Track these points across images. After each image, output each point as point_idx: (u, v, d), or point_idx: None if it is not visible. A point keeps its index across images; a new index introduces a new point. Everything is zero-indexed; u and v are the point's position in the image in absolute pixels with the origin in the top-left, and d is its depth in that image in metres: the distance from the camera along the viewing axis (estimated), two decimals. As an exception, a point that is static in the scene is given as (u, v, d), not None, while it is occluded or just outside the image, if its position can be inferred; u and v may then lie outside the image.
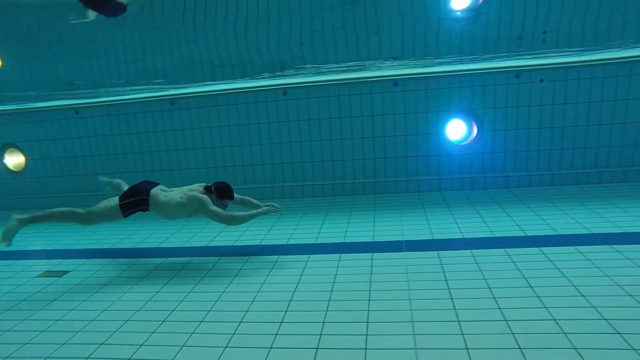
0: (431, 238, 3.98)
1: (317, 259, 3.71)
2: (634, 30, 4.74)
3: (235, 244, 4.26)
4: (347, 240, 4.12)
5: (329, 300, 2.98)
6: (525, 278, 3.09)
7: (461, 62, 4.97)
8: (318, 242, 4.14)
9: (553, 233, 3.90)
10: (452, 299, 2.88)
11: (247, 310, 2.94)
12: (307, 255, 3.79)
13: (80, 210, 3.75)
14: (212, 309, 3.00)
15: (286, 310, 2.89)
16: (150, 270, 3.80)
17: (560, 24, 4.75)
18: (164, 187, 3.95)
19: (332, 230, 4.40)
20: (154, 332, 2.75)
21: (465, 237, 3.95)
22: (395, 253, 3.69)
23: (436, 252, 3.64)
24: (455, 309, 2.75)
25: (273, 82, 5.37)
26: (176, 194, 3.81)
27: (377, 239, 4.06)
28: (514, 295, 2.87)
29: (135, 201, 3.75)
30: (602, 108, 5.01)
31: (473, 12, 4.85)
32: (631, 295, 2.77)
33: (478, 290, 2.97)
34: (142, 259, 4.10)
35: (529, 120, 5.09)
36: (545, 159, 5.23)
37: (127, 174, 5.14)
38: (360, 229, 4.35)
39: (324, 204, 5.29)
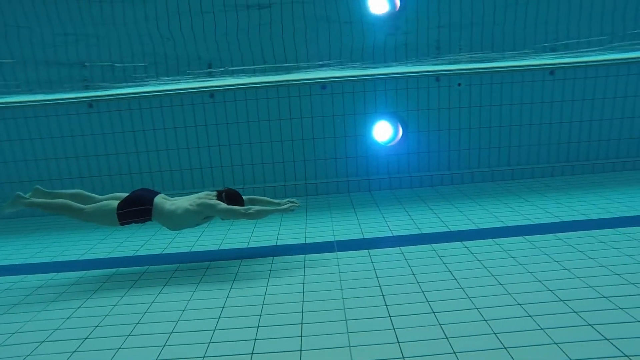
0: (362, 237, 4.08)
1: (249, 263, 3.66)
2: (533, 42, 5.23)
3: (163, 252, 4.09)
4: (280, 243, 4.11)
5: (263, 305, 2.96)
6: (450, 271, 3.27)
7: (385, 66, 5.16)
8: (250, 246, 4.09)
9: (474, 227, 4.15)
10: (383, 295, 2.97)
11: (177, 320, 2.84)
12: (239, 260, 3.74)
13: (79, 206, 3.53)
14: (140, 322, 2.85)
15: (219, 317, 2.83)
16: (70, 285, 3.54)
17: (473, 35, 5.10)
18: (165, 196, 3.72)
19: (265, 233, 4.36)
20: (74, 352, 2.56)
21: (394, 235, 4.10)
22: (328, 254, 3.74)
23: (367, 250, 3.74)
24: (386, 305, 2.84)
25: (199, 84, 5.24)
26: (184, 202, 3.60)
27: (309, 241, 4.09)
28: (441, 288, 3.02)
29: (136, 211, 3.51)
30: (511, 110, 5.43)
31: (392, 19, 5.07)
32: (540, 281, 3.03)
33: (407, 285, 3.09)
34: (60, 273, 3.81)
35: (449, 121, 5.40)
36: (465, 158, 5.56)
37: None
38: (292, 231, 4.36)
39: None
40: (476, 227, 4.14)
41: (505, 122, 5.47)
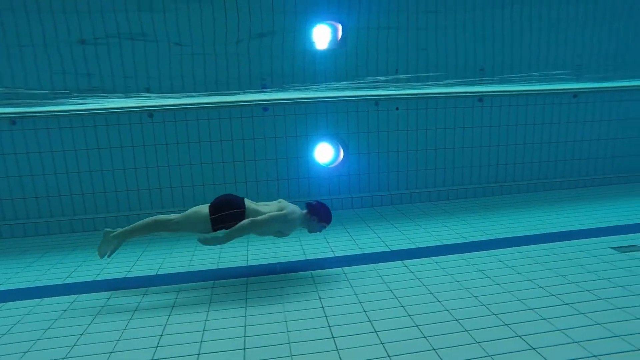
0: (304, 258, 4.08)
1: (189, 288, 3.54)
2: (463, 72, 5.61)
3: (96, 279, 3.85)
4: (221, 266, 4.02)
5: (203, 331, 2.86)
6: (390, 290, 3.34)
7: (326, 89, 5.29)
8: (190, 269, 3.96)
9: (413, 246, 4.28)
10: (326, 316, 2.97)
11: (111, 352, 2.67)
12: (179, 285, 3.60)
13: (168, 217, 3.51)
14: (67, 356, 2.66)
15: (157, 346, 2.70)
16: (-14, 318, 3.23)
17: (409, 64, 5.38)
18: (250, 200, 3.66)
19: (206, 257, 4.24)
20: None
21: (336, 255, 4.14)
22: (270, 276, 3.70)
23: (309, 272, 3.74)
24: (329, 326, 2.84)
25: (137, 104, 5.07)
26: (273, 208, 3.60)
27: (251, 263, 4.03)
28: (382, 307, 3.07)
29: (230, 215, 3.44)
30: (445, 134, 5.74)
31: (334, 49, 5.24)
32: (474, 297, 3.18)
33: (350, 305, 3.12)
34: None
35: (388, 144, 5.59)
36: (404, 179, 5.76)
37: None
38: (234, 254, 4.27)
39: (196, 230, 5.09)
40: (415, 246, 4.28)
41: (440, 145, 5.75)
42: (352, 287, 3.43)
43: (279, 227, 3.59)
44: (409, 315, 2.94)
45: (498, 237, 4.44)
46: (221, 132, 5.26)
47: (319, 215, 3.68)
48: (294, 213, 3.60)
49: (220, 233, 3.49)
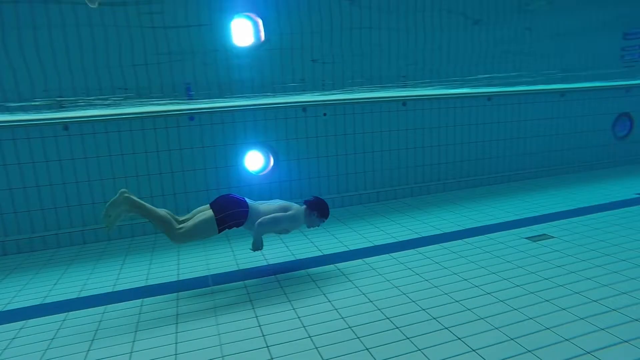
0: (237, 269, 4.01)
1: (115, 309, 3.35)
2: (387, 77, 5.82)
3: (5, 309, 3.53)
4: (150, 282, 3.84)
5: (131, 353, 2.72)
6: (324, 294, 3.37)
7: (252, 97, 5.26)
8: (116, 289, 3.75)
9: (345, 249, 4.36)
10: (259, 326, 2.94)
11: (24, 386, 2.46)
12: (104, 307, 3.39)
13: (175, 226, 3.37)
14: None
15: (78, 375, 2.52)
16: None
17: (335, 70, 5.50)
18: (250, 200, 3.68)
19: (133, 274, 4.04)
20: None
21: (270, 263, 4.11)
22: (202, 289, 3.60)
23: (242, 282, 3.69)
24: (263, 336, 2.81)
25: (50, 116, 4.74)
26: (274, 206, 3.66)
27: (182, 277, 3.89)
28: (316, 312, 3.10)
29: (233, 214, 3.45)
30: (373, 138, 5.91)
31: (258, 52, 5.23)
32: (404, 294, 3.29)
33: (283, 313, 3.11)
34: None
35: (318, 149, 5.66)
36: (334, 184, 5.85)
37: None
38: (163, 269, 4.10)
39: (122, 246, 4.84)
40: (347, 249, 4.35)
41: (367, 148, 5.92)
42: (285, 294, 3.42)
43: (291, 225, 3.73)
44: (342, 318, 2.99)
45: (425, 235, 4.63)
46: (145, 143, 5.05)
47: (318, 211, 3.80)
48: (300, 210, 3.76)
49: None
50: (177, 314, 3.19)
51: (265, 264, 4.11)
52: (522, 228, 4.68)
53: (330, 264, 3.99)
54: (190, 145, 5.19)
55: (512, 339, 2.63)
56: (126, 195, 3.37)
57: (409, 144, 6.14)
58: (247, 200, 3.66)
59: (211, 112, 5.16)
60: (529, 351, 2.50)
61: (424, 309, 3.05)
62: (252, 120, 5.36)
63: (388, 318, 2.95)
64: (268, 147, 5.51)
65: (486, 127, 6.60)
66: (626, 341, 2.56)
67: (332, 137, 5.71)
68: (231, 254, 4.38)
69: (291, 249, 4.43)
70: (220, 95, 5.18)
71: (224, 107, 5.18)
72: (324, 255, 4.22)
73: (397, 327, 2.83)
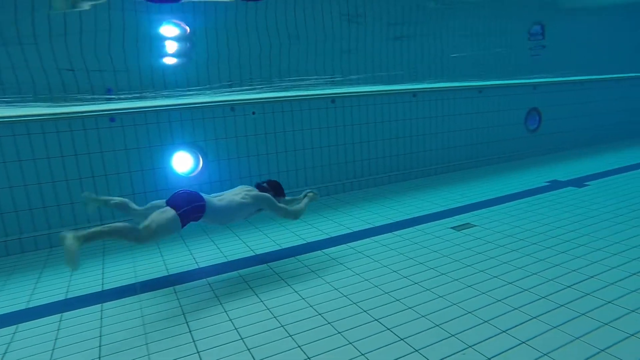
0: (166, 274, 3.87)
1: (28, 327, 3.10)
2: (314, 75, 5.88)
3: None
4: (70, 295, 3.60)
5: (48, 372, 2.54)
6: (256, 295, 3.35)
7: (179, 96, 5.09)
8: (30, 306, 3.47)
9: (278, 248, 4.35)
10: (190, 332, 2.86)
11: None
12: (15, 326, 3.13)
13: (137, 228, 3.11)
14: None
15: (-14, 402, 2.32)
16: None
17: (262, 67, 5.44)
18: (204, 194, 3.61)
19: (51, 287, 3.76)
20: None
21: (201, 266, 4.01)
22: (129, 298, 3.43)
23: (172, 287, 3.56)
24: (194, 341, 2.74)
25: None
26: (232, 196, 3.70)
27: (107, 287, 3.69)
28: (248, 313, 3.06)
29: (193, 208, 3.40)
30: (303, 135, 5.94)
31: (183, 48, 5.05)
32: (336, 289, 3.35)
33: (215, 316, 3.05)
34: None
35: (247, 148, 5.59)
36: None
37: None
38: (86, 280, 3.86)
39: (39, 258, 4.49)
40: (280, 248, 4.35)
41: (298, 146, 5.94)
42: (217, 297, 3.35)
43: (251, 212, 3.79)
44: (274, 317, 2.98)
45: (356, 230, 4.73)
46: (61, 147, 4.71)
47: (275, 191, 3.98)
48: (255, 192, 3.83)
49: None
50: (101, 327, 3.02)
51: (197, 267, 4.00)
52: (447, 218, 4.93)
53: (263, 263, 3.96)
54: (113, 147, 4.92)
55: (437, 325, 2.76)
56: (77, 236, 2.89)
57: (339, 141, 6.24)
58: (203, 194, 3.56)
59: (134, 113, 4.93)
60: (453, 335, 2.64)
61: (354, 303, 3.12)
62: (179, 121, 5.18)
63: (320, 314, 2.99)
64: (197, 147, 5.37)
65: (412, 123, 6.86)
66: (535, 317, 2.78)
67: (262, 135, 5.67)
68: (160, 259, 4.21)
69: (223, 250, 4.35)
70: (142, 95, 4.95)
71: (147, 107, 4.97)
72: (256, 255, 4.19)
73: (329, 323, 2.87)
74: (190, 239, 4.73)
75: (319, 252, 4.15)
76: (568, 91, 8.79)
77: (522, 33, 7.92)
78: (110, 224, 3.11)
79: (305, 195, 4.15)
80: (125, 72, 4.81)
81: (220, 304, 3.23)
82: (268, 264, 3.94)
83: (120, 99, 4.88)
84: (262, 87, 5.59)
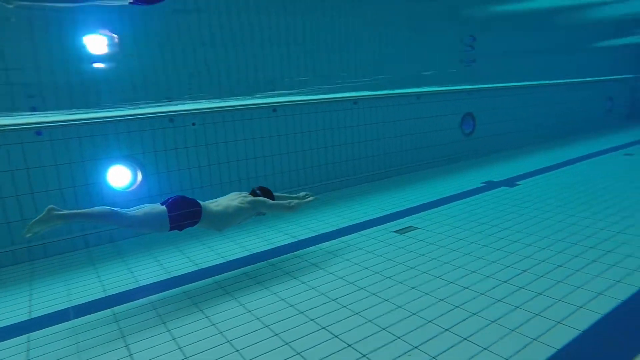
0: (104, 296, 3.67)
1: (-53, 364, 2.83)
2: (255, 85, 5.85)
3: None
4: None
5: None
6: (201, 310, 3.25)
7: (112, 108, 4.88)
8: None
9: (223, 261, 4.25)
10: (130, 355, 2.72)
11: None
12: None
13: (123, 211, 3.28)
14: None
15: None
16: None
17: (202, 78, 5.35)
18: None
19: (-28, 319, 3.45)
20: None
21: (142, 285, 3.83)
22: (60, 325, 3.21)
23: (111, 309, 3.38)
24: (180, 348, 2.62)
25: None
26: (228, 201, 3.85)
27: (34, 315, 3.43)
28: (193, 330, 2.96)
29: (188, 213, 3.49)
30: (246, 145, 5.86)
31: (113, 59, 4.86)
32: (283, 300, 3.32)
33: (158, 336, 2.92)
34: None
35: (188, 160, 5.44)
36: (209, 195, 5.63)
37: None
38: (8, 309, 3.56)
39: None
40: (225, 260, 4.25)
41: (241, 156, 5.86)
42: (159, 315, 3.22)
43: (246, 217, 3.94)
44: (221, 333, 2.90)
45: (302, 238, 4.73)
46: (-15, 163, 4.36)
47: (267, 196, 4.14)
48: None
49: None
50: (78, 346, 2.81)
51: (137, 286, 3.82)
52: (390, 222, 5.04)
53: (209, 277, 3.86)
54: (40, 163, 4.62)
55: (383, 329, 2.81)
56: (56, 213, 3.09)
57: (282, 150, 6.23)
58: (200, 201, 3.68)
59: (64, 126, 4.66)
60: (398, 338, 2.69)
61: (301, 312, 3.11)
62: (114, 133, 4.95)
63: (267, 326, 2.95)
64: (134, 160, 5.15)
65: (354, 130, 6.98)
66: (475, 314, 2.90)
67: (202, 147, 5.54)
68: (97, 280, 3.99)
69: (166, 267, 4.19)
70: (73, 106, 4.70)
71: (79, 119, 4.71)
72: (200, 269, 4.07)
73: (276, 334, 2.84)
74: (130, 256, 4.52)
75: (263, 263, 4.10)
76: (499, 97, 9.31)
77: (456, 44, 8.36)
78: (92, 209, 3.23)
79: (305, 195, 4.38)
80: (53, 87, 4.56)
81: (163, 323, 3.10)
82: (214, 277, 3.85)
83: (46, 112, 4.60)
84: (201, 97, 5.48)
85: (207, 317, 3.14)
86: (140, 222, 3.31)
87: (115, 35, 4.79)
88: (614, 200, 5.26)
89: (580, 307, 2.90)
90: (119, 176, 5.14)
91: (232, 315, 3.13)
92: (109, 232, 5.04)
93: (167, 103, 5.26)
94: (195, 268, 4.11)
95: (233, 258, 4.30)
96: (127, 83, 4.94)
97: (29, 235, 3.06)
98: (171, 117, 5.26)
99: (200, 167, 5.55)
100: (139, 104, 5.02)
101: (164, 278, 3.94)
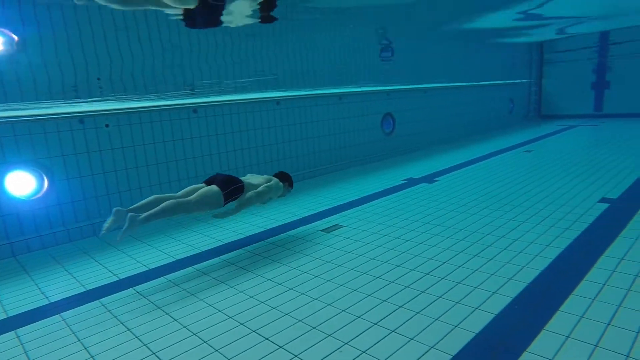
0: (5, 317, 3.31)
1: None
2: (173, 85, 5.62)
3: None
4: None
5: None
6: (122, 323, 3.05)
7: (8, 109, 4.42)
8: None
9: (145, 269, 4.03)
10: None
11: None
12: None
13: (185, 200, 3.70)
14: None
15: None
16: None
17: (112, 74, 5.01)
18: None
19: None
20: None
21: (52, 301, 3.51)
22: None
23: (13, 331, 3.06)
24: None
25: None
26: (260, 179, 4.41)
27: None
28: (113, 346, 2.77)
29: (235, 189, 4.01)
30: (165, 147, 5.60)
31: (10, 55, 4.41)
32: (210, 305, 3.21)
33: (74, 355, 2.69)
34: None
35: (103, 164, 5.07)
36: (127, 199, 5.35)
37: None
38: None
39: None
40: (147, 269, 4.03)
41: (160, 159, 5.58)
42: (73, 333, 2.97)
43: (272, 195, 4.39)
44: (145, 345, 2.74)
45: (228, 242, 4.62)
46: None
47: (288, 181, 4.71)
48: (277, 182, 4.47)
49: (230, 206, 4.14)
50: None
51: (47, 302, 3.49)
52: (317, 221, 5.08)
53: (129, 287, 3.63)
54: None
55: (314, 328, 2.81)
56: (139, 219, 3.43)
57: (204, 152, 6.04)
58: (241, 177, 4.31)
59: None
60: (329, 335, 2.71)
61: (230, 317, 3.03)
62: (12, 136, 4.49)
63: (194, 334, 2.83)
64: (39, 166, 4.71)
65: (277, 130, 6.96)
66: (401, 306, 3.00)
67: (118, 149, 5.21)
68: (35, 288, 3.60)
69: (80, 280, 3.88)
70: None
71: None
72: (120, 279, 3.82)
73: (205, 342, 2.74)
74: (37, 273, 4.13)
75: (190, 269, 3.95)
76: (416, 98, 9.78)
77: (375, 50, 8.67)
78: (163, 205, 3.57)
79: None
80: None
81: (79, 340, 2.86)
82: (134, 287, 3.63)
83: None
84: (114, 97, 5.15)
85: (128, 329, 2.95)
86: (200, 204, 3.77)
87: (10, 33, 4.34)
88: (520, 192, 5.73)
89: (495, 292, 3.11)
90: (21, 184, 4.67)
91: (155, 327, 2.97)
92: (9, 245, 4.56)
93: (76, 102, 4.88)
94: (114, 279, 3.85)
95: (155, 266, 4.08)
96: (27, 80, 4.50)
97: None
98: (81, 118, 4.88)
99: (116, 171, 5.20)
100: (42, 103, 4.60)
101: (79, 291, 3.64)
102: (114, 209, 3.50)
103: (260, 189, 4.22)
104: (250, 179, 4.39)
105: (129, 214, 3.42)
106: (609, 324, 2.62)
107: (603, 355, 2.34)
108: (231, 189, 3.99)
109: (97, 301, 3.44)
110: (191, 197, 3.79)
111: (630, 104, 13.28)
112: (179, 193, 3.93)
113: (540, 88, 15.19)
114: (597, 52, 13.63)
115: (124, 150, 5.26)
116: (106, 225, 3.47)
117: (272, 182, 4.38)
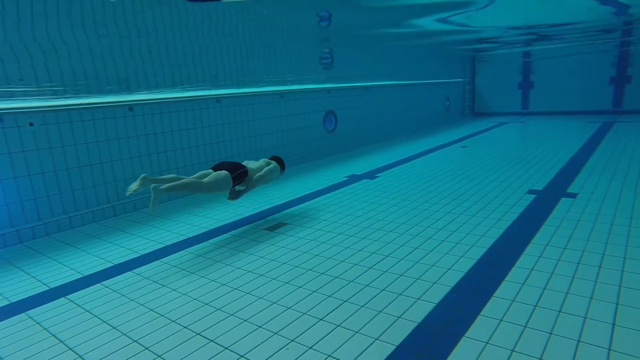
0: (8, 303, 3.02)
1: None
2: (115, 81, 5.34)
3: None
4: None
5: None
6: (54, 336, 2.87)
7: None
8: None
9: (79, 276, 3.81)
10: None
11: None
12: None
13: (201, 182, 4.17)
14: None
15: None
16: None
17: (38, 71, 4.68)
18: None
19: None
20: None
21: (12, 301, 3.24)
22: None
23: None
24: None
25: None
26: (261, 163, 4.99)
27: None
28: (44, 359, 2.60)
29: (242, 173, 4.55)
30: (99, 147, 5.32)
31: None
32: (151, 310, 3.10)
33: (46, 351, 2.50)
34: None
35: (28, 166, 4.72)
36: (58, 203, 5.04)
37: None
38: None
39: None
40: (82, 275, 3.82)
41: (94, 159, 5.30)
42: (45, 329, 2.75)
43: (273, 177, 4.94)
44: (80, 356, 2.60)
45: (169, 244, 4.47)
46: None
47: (282, 165, 5.17)
48: (275, 165, 4.98)
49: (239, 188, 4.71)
50: None
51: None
52: (261, 220, 5.04)
53: (61, 296, 3.42)
54: None
55: (259, 327, 2.79)
56: (162, 189, 3.85)
57: (142, 151, 5.80)
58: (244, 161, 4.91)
59: None
60: (275, 333, 2.71)
61: (173, 321, 2.94)
62: None
63: (135, 340, 2.72)
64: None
65: (218, 129, 6.82)
66: (346, 301, 3.05)
67: (46, 150, 4.88)
68: None
69: (5, 292, 3.60)
70: None
71: None
72: (51, 288, 3.59)
73: (147, 348, 2.64)
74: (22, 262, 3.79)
75: (129, 273, 3.78)
76: (357, 95, 9.95)
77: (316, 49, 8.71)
78: (182, 181, 4.06)
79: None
80: None
81: (53, 335, 2.66)
82: (66, 296, 3.42)
83: None
84: (38, 94, 4.81)
85: (61, 341, 2.78)
86: (212, 184, 4.21)
87: None
88: (457, 186, 6.00)
89: (435, 282, 3.24)
90: None
91: (95, 334, 2.82)
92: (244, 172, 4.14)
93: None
94: (44, 288, 3.60)
95: (90, 272, 3.87)
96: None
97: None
98: (0, 117, 4.53)
99: (44, 174, 4.87)
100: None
101: (3, 304, 3.38)
102: (142, 175, 3.92)
103: (263, 172, 4.77)
104: (249, 164, 4.89)
105: (152, 184, 3.85)
106: (536, 306, 2.81)
107: (531, 335, 2.51)
108: (237, 173, 4.48)
109: (24, 313, 3.21)
110: (204, 179, 4.23)
111: (551, 103, 14.32)
112: (193, 176, 4.37)
113: (473, 86, 15.99)
114: (521, 54, 14.56)
115: (53, 151, 4.93)
116: (133, 187, 3.87)
117: (272, 165, 4.94)
